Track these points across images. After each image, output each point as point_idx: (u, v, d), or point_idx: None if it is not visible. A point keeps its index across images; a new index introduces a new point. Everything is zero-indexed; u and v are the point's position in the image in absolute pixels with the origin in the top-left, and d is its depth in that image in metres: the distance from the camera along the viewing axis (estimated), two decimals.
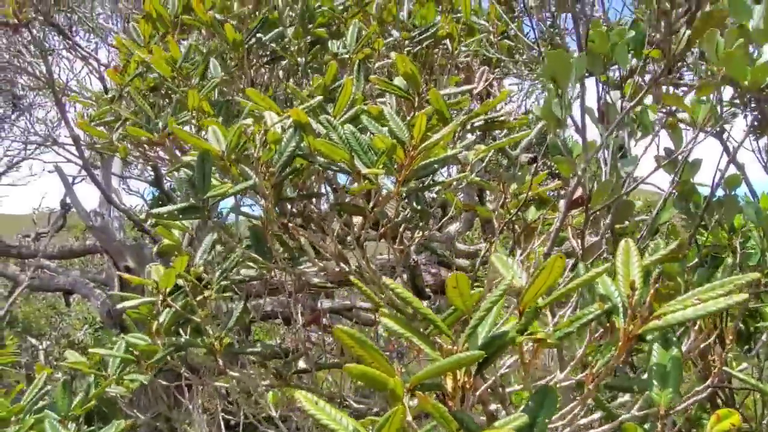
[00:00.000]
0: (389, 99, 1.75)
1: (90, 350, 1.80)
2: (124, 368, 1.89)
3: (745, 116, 1.92)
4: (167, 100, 2.38)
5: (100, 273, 6.59)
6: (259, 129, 1.56)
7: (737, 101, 1.64)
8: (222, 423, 2.28)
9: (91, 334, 8.16)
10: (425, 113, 1.46)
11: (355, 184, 1.52)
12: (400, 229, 1.94)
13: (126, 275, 1.79)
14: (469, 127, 1.95)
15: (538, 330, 0.90)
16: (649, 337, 1.05)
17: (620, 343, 0.93)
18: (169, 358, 1.85)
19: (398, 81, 1.82)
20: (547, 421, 0.85)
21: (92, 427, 1.81)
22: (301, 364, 2.07)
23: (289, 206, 1.87)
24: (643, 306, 0.92)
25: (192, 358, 2.38)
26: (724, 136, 1.68)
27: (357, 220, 2.28)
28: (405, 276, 2.58)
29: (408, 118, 1.69)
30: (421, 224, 1.78)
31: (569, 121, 1.55)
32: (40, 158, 7.81)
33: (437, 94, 1.65)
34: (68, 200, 6.28)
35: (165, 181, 6.52)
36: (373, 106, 1.61)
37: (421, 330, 0.89)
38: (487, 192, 3.26)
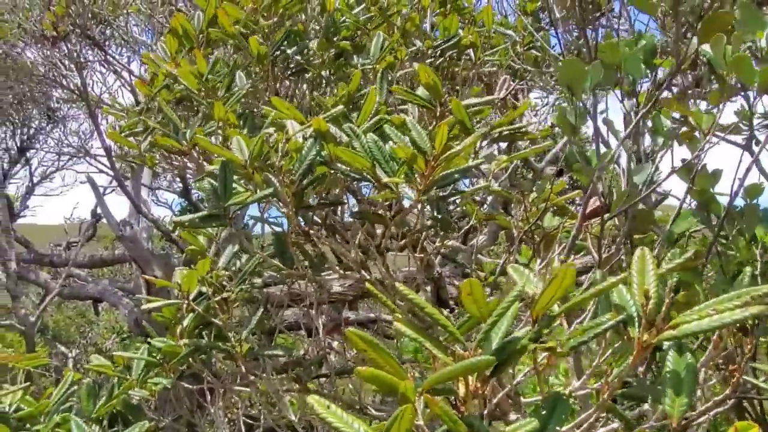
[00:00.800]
0: (411, 109, 1.77)
1: (114, 353, 1.84)
2: (147, 372, 1.93)
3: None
4: (193, 111, 2.43)
5: (129, 282, 6.70)
6: (281, 138, 1.59)
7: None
8: (243, 428, 2.30)
9: (118, 342, 8.27)
10: (447, 123, 1.47)
11: (377, 193, 1.54)
12: (422, 239, 1.95)
13: (151, 278, 1.82)
14: (490, 137, 1.97)
15: (553, 339, 0.90)
16: (666, 346, 1.04)
17: (634, 353, 0.92)
18: (191, 360, 1.88)
19: (420, 91, 1.84)
20: (558, 428, 0.85)
21: (116, 429, 1.84)
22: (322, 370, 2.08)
23: (311, 215, 1.90)
24: (658, 315, 0.91)
25: (215, 364, 2.41)
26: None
27: (379, 230, 2.30)
28: (429, 288, 2.58)
29: (430, 127, 1.70)
30: (442, 234, 1.78)
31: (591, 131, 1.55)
32: (72, 169, 7.99)
33: (459, 104, 1.66)
34: (99, 210, 6.40)
35: (192, 192, 6.62)
36: (396, 116, 1.63)
37: (439, 338, 0.90)
38: (511, 205, 3.26)
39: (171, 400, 2.36)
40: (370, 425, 0.80)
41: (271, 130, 1.60)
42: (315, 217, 1.93)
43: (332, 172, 1.63)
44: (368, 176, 1.50)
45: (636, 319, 0.92)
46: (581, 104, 1.25)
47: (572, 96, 1.24)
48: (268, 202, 1.69)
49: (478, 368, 0.81)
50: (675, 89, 1.83)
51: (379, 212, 1.68)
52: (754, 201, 1.72)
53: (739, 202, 1.75)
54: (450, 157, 1.44)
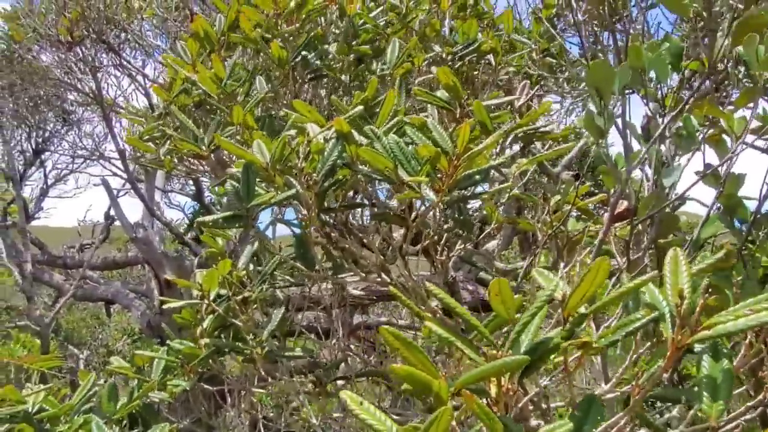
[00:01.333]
0: (431, 110, 1.76)
1: (136, 352, 1.84)
2: (166, 374, 1.93)
3: None
4: (211, 116, 2.44)
5: (141, 284, 6.73)
6: (303, 140, 1.59)
7: None
8: (263, 430, 2.29)
9: (130, 344, 8.30)
10: (469, 123, 1.46)
11: (396, 195, 1.54)
12: (442, 242, 1.95)
13: (170, 278, 1.82)
14: (511, 138, 1.96)
15: (586, 335, 0.89)
16: (697, 349, 1.03)
17: (668, 353, 0.91)
18: (211, 362, 1.88)
19: (440, 93, 1.83)
20: (593, 430, 0.84)
21: (136, 431, 1.84)
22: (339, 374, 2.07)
23: (328, 217, 1.89)
24: (692, 316, 0.90)
25: (230, 370, 2.40)
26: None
27: (397, 234, 2.29)
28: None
29: (449, 130, 1.70)
30: (463, 235, 1.77)
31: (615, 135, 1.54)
32: (86, 171, 8.03)
33: (481, 105, 1.66)
34: (113, 212, 6.43)
35: (205, 196, 6.64)
36: (415, 117, 1.62)
37: (470, 339, 0.89)
38: (525, 210, 3.25)
39: (188, 402, 2.36)
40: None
41: (293, 132, 1.59)
42: (334, 220, 1.92)
43: (353, 173, 1.63)
44: (390, 176, 1.50)
45: (669, 318, 0.91)
46: (610, 107, 1.24)
47: (600, 99, 1.23)
48: (288, 204, 1.68)
49: (512, 368, 0.81)
50: (696, 93, 1.82)
51: (401, 214, 1.67)
52: None
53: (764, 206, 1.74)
54: (472, 156, 1.43)
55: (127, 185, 6.57)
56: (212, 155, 2.24)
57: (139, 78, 6.06)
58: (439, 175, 1.44)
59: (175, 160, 2.51)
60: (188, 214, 7.28)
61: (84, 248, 7.06)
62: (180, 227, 6.67)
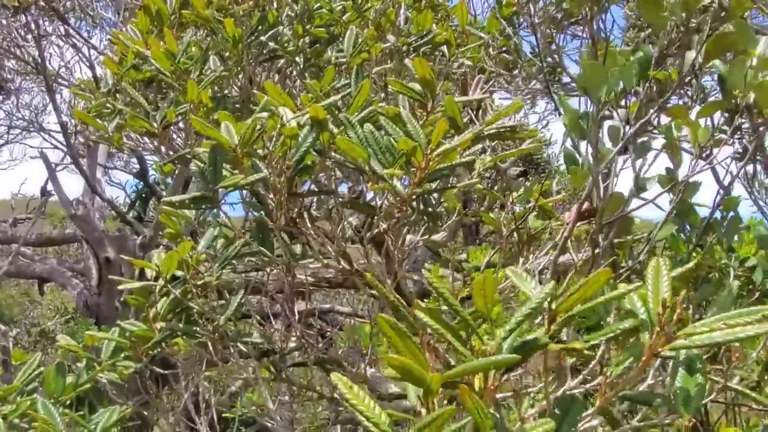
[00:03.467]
0: (403, 101, 1.76)
1: (87, 333, 1.78)
2: (116, 355, 1.88)
3: (733, 143, 1.97)
4: (161, 95, 2.38)
5: (78, 263, 6.50)
6: (275, 123, 1.56)
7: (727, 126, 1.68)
8: (215, 415, 2.26)
9: (62, 324, 8.03)
10: (444, 120, 1.47)
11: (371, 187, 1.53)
12: (403, 232, 1.96)
13: (135, 260, 1.77)
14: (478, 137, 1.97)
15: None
16: (668, 354, 1.06)
17: (644, 359, 0.94)
18: (163, 344, 1.84)
19: (412, 85, 1.83)
20: (573, 429, 0.86)
21: (82, 412, 1.78)
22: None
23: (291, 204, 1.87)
24: (670, 324, 0.93)
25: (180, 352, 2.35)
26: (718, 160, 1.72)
27: (353, 219, 2.28)
28: (389, 282, 2.59)
29: (420, 122, 1.70)
30: (427, 226, 1.79)
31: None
32: (23, 143, 7.70)
33: (452, 100, 1.66)
34: (50, 187, 6.20)
35: (150, 175, 6.46)
36: (388, 107, 1.62)
37: (459, 331, 0.89)
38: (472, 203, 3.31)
39: (135, 384, 2.30)
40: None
41: (265, 114, 1.57)
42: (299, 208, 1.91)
43: (323, 161, 1.61)
44: (363, 167, 1.49)
45: (649, 325, 0.94)
46: (594, 110, 1.27)
47: (589, 100, 1.26)
48: (256, 188, 1.66)
49: (504, 365, 0.82)
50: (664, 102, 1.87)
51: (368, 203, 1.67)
52: (731, 213, 1.78)
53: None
54: (448, 152, 1.44)
55: (67, 159, 6.34)
56: (165, 134, 2.19)
57: (85, 50, 5.85)
58: (412, 169, 1.44)
59: (124, 138, 2.43)
60: (130, 193, 7.09)
61: (18, 223, 6.78)
62: (122, 206, 6.49)
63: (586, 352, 0.90)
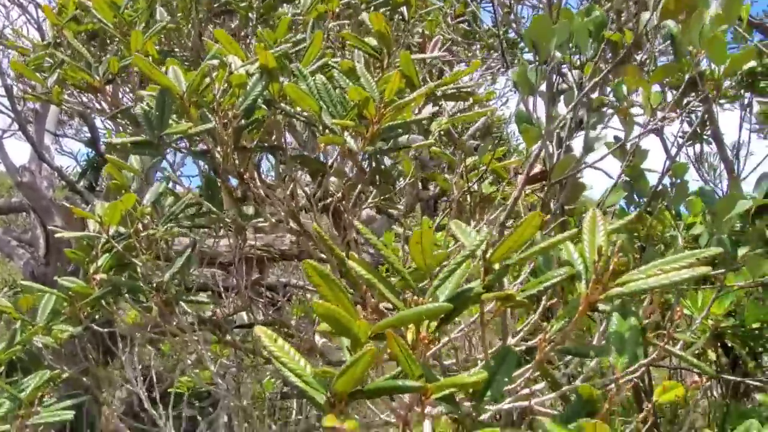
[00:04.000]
0: (357, 56, 1.72)
1: (23, 296, 1.71)
2: (53, 318, 1.81)
3: (682, 121, 1.99)
4: (105, 52, 2.29)
5: (26, 232, 6.29)
6: (224, 72, 1.51)
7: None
8: (155, 379, 2.21)
9: (10, 296, 7.80)
10: (398, 73, 1.43)
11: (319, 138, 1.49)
12: (355, 193, 1.92)
13: (75, 209, 1.69)
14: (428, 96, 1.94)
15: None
16: (603, 307, 1.06)
17: (580, 308, 0.93)
18: (104, 303, 1.78)
19: (368, 40, 1.79)
20: (506, 379, 0.85)
21: (14, 378, 1.72)
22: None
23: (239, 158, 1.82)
24: (605, 273, 0.92)
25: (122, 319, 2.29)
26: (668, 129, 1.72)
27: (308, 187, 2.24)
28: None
29: (375, 79, 1.66)
30: (379, 186, 1.76)
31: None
32: None
33: (408, 57, 1.62)
34: None
35: (101, 143, 6.25)
36: (343, 60, 1.58)
37: (391, 282, 0.87)
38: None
39: (75, 349, 2.24)
40: None
41: (215, 61, 1.51)
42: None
43: (273, 112, 1.57)
44: (314, 119, 1.45)
45: (584, 275, 0.93)
46: (543, 66, 1.24)
47: (536, 53, 1.23)
48: (203, 138, 1.60)
49: (434, 314, 0.80)
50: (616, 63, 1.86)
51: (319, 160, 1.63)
52: (679, 180, 1.79)
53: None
54: (400, 107, 1.41)
55: (14, 126, 6.10)
56: (108, 88, 2.10)
57: (32, 9, 5.59)
58: (364, 121, 1.41)
59: (66, 96, 2.33)
60: (81, 162, 6.85)
61: None
62: (73, 176, 6.28)
63: (520, 300, 0.88)
